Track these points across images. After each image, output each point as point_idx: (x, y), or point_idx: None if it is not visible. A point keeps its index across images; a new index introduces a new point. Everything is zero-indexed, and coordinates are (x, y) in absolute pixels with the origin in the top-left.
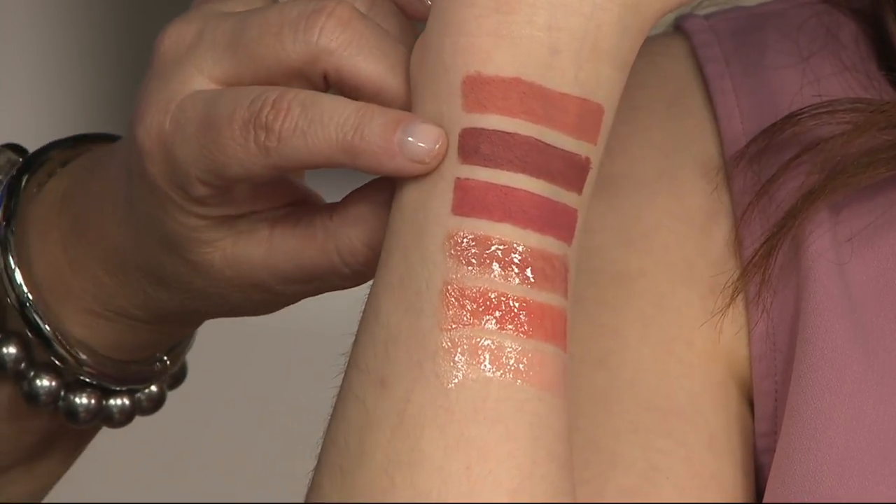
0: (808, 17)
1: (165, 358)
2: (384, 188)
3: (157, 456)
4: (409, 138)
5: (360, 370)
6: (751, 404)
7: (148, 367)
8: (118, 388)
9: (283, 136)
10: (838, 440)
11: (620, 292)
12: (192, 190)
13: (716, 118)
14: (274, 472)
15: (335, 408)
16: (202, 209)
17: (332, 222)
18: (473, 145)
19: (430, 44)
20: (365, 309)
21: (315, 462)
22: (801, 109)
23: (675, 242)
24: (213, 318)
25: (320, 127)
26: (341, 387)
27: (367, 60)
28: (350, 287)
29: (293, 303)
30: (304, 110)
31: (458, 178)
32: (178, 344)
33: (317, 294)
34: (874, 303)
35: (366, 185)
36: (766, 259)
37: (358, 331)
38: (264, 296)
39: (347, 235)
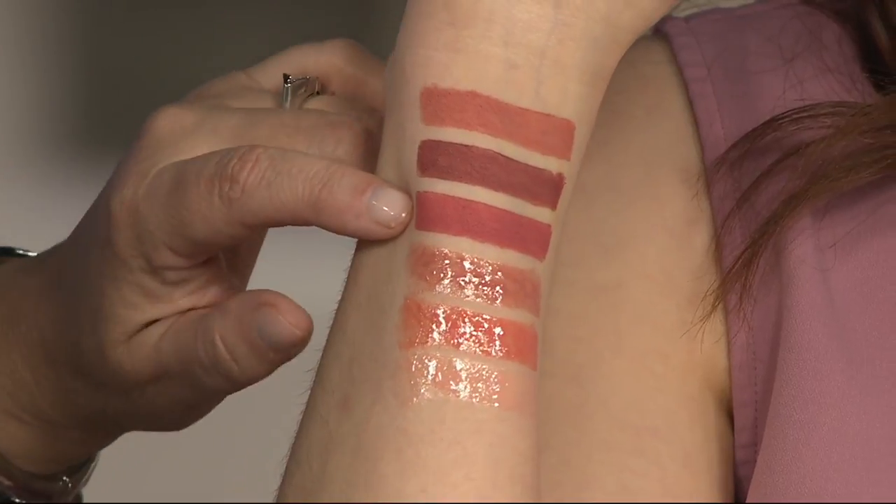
0: (790, 18)
1: (68, 480)
2: (259, 297)
3: (149, 459)
4: (377, 202)
5: (325, 389)
6: (730, 416)
7: (51, 484)
8: (18, 501)
9: (248, 187)
10: (821, 452)
11: (595, 304)
12: (157, 257)
13: (696, 123)
14: (258, 478)
15: (300, 427)
16: (154, 283)
17: (210, 310)
18: (431, 158)
19: (396, 56)
20: (332, 326)
21: (280, 480)
22: (782, 114)
23: (654, 252)
24: (122, 426)
25: (287, 179)
26: (307, 405)
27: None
28: (216, 389)
29: (185, 418)
30: (273, 163)
31: (418, 192)
32: (81, 467)
33: (198, 405)
34: (858, 310)
35: (249, 291)
36: (747, 267)
37: (325, 348)
38: (158, 394)
39: (212, 323)
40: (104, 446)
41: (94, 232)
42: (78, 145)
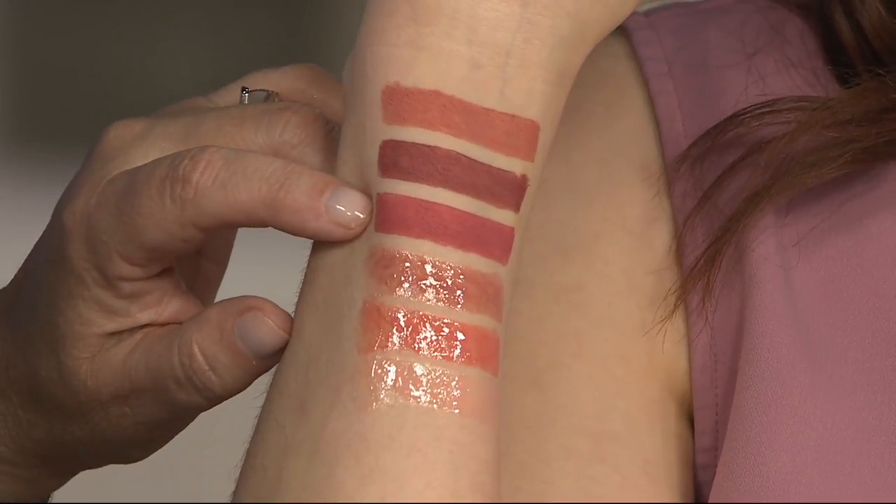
0: (752, 12)
1: None
2: (242, 302)
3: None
4: (337, 205)
5: (282, 393)
6: (690, 420)
7: None
8: None
9: (201, 187)
10: (784, 455)
11: (556, 307)
12: (111, 267)
13: (657, 120)
14: (212, 484)
15: (256, 432)
16: (109, 297)
17: (185, 322)
18: (393, 158)
19: (357, 53)
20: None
21: (235, 486)
22: (743, 110)
23: (614, 252)
24: (79, 459)
25: (243, 178)
26: (262, 410)
27: (323, 158)
28: (188, 405)
29: (146, 444)
30: (227, 163)
31: (379, 193)
32: None
33: (163, 425)
34: (822, 310)
35: (228, 298)
36: (709, 266)
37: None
38: (122, 415)
39: (189, 333)
40: (55, 487)
41: (47, 250)
42: (7, 144)
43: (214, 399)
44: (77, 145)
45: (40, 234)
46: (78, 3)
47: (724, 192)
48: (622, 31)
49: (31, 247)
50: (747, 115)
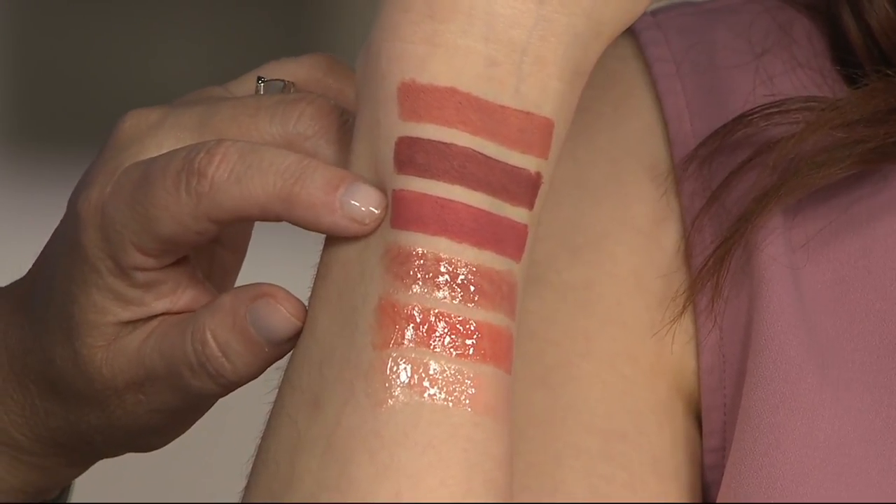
0: (760, 13)
1: None
2: (255, 289)
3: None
4: (352, 200)
5: (294, 388)
6: (698, 420)
7: None
8: None
9: (216, 181)
10: (792, 456)
11: (564, 306)
12: (125, 257)
13: (665, 120)
14: (223, 480)
15: (268, 427)
16: (123, 286)
17: (198, 309)
18: (409, 155)
19: (371, 48)
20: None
21: (246, 481)
22: (751, 110)
23: (622, 251)
24: (96, 448)
25: (258, 172)
26: (275, 405)
27: (337, 150)
28: (202, 392)
29: (163, 432)
30: (242, 157)
31: (395, 190)
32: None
33: (178, 413)
34: (830, 311)
35: (242, 286)
36: (717, 267)
37: (295, 346)
38: (137, 402)
39: (203, 320)
40: (73, 477)
41: (62, 239)
42: (7, 144)
43: (228, 386)
44: (77, 145)
45: (40, 234)
46: (78, 3)
47: (733, 193)
48: (629, 32)
49: (32, 246)
50: (755, 115)
